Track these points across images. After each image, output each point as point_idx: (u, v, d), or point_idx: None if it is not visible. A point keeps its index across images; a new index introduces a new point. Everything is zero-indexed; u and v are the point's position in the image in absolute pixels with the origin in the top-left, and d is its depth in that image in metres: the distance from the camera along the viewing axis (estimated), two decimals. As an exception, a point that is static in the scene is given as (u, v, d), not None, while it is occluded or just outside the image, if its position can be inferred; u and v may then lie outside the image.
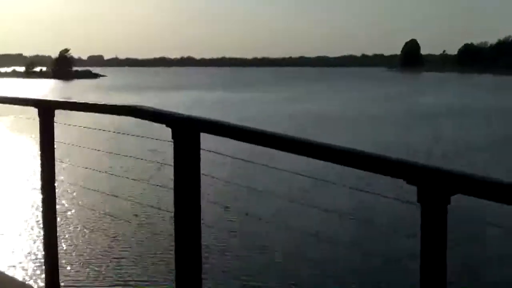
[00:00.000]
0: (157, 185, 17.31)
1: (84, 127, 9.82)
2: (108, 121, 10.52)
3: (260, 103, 65.39)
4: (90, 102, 5.44)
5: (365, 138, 33.57)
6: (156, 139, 5.02)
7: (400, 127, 41.08)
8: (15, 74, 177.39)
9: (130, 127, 10.01)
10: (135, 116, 4.51)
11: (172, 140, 3.68)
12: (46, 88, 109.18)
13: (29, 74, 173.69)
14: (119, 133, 19.04)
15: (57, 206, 5.49)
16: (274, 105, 61.84)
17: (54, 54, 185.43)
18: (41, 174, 5.31)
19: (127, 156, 15.58)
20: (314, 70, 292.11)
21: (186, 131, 3.60)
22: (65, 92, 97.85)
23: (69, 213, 16.57)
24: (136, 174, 20.31)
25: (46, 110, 5.41)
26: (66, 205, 16.86)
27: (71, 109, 5.39)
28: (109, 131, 11.14)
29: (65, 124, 6.50)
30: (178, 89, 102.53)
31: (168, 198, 4.20)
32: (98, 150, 14.77)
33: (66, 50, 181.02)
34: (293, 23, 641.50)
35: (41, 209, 5.56)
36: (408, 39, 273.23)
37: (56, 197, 5.48)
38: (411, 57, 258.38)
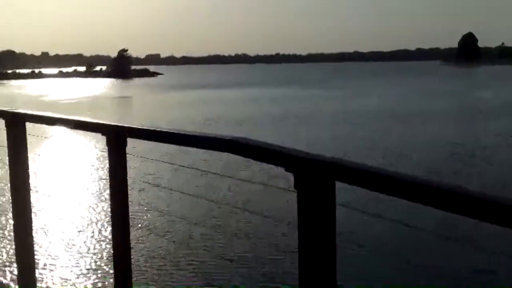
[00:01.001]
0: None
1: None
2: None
3: (322, 99, 66.13)
4: (63, 117, 5.19)
5: (430, 135, 34.07)
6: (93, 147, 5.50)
7: (462, 123, 41.28)
8: (76, 73, 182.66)
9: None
10: (71, 127, 4.90)
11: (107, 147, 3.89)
12: (105, 87, 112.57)
13: (89, 73, 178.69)
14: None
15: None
16: (336, 101, 62.51)
17: (113, 53, 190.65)
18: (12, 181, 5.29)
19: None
20: (369, 64, 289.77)
21: (116, 138, 3.77)
22: (124, 90, 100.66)
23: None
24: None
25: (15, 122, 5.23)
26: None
27: (43, 123, 5.39)
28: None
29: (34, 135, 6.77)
30: (233, 86, 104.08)
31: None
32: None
33: (125, 50, 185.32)
34: (346, 19, 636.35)
35: None
36: (464, 32, 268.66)
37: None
38: (467, 50, 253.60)
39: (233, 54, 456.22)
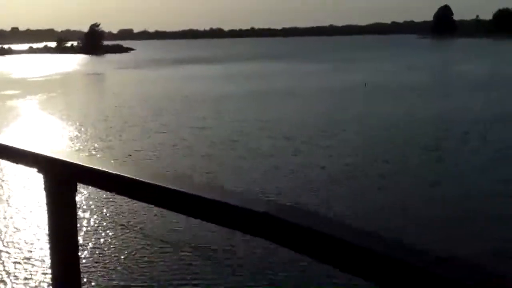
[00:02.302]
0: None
1: None
2: None
3: (301, 74, 64.65)
4: None
5: (417, 110, 32.90)
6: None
7: (445, 97, 40.17)
8: (46, 49, 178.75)
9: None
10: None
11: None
12: (77, 64, 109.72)
13: (60, 49, 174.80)
14: None
15: None
16: (316, 76, 61.05)
17: (85, 28, 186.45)
18: None
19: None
20: (344, 38, 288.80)
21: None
22: (96, 67, 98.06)
23: None
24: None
25: None
26: None
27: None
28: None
29: None
30: (211, 61, 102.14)
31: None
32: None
33: (96, 25, 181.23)
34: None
35: None
36: (439, 5, 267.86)
37: None
38: (443, 23, 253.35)
39: (207, 28, 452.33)
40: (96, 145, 25.36)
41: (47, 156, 2.25)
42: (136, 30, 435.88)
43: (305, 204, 15.88)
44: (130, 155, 22.74)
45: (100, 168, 2.02)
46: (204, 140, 25.78)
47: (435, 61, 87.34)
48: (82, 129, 29.88)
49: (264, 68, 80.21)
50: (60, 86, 58.70)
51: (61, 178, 2.21)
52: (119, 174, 1.94)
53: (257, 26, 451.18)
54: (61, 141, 26.68)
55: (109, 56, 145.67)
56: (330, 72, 66.98)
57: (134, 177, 1.86)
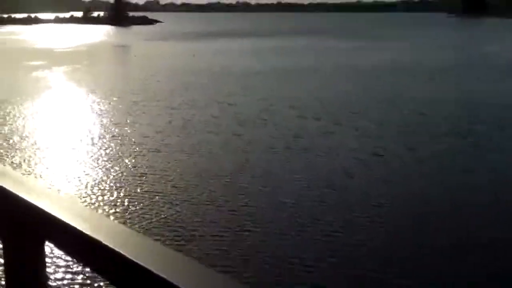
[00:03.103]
0: None
1: None
2: None
3: (329, 51, 63.68)
4: None
5: (448, 89, 32.08)
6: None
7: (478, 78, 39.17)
8: (73, 19, 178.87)
9: None
10: None
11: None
12: (103, 35, 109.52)
13: (86, 19, 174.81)
14: None
15: None
16: (343, 54, 60.06)
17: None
18: None
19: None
20: (372, 15, 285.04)
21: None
22: (123, 39, 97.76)
23: None
24: None
25: None
26: None
27: None
28: None
29: None
30: (237, 35, 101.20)
31: None
32: None
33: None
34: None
35: None
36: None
37: None
38: (473, 2, 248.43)
39: (234, 2, 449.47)
40: (123, 120, 25.04)
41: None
42: (162, 2, 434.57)
43: (335, 186, 15.44)
44: (160, 132, 22.40)
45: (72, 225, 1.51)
46: (233, 117, 25.33)
47: (465, 41, 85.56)
48: (108, 103, 29.59)
49: (292, 43, 79.20)
50: (86, 57, 58.54)
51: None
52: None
53: (284, 0, 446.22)
54: (86, 116, 26.44)
55: (135, 28, 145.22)
56: (358, 50, 65.81)
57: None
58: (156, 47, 75.14)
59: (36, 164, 17.98)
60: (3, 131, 22.63)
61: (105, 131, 22.81)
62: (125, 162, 18.07)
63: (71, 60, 54.41)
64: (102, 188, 15.56)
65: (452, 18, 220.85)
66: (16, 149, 19.82)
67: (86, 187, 15.66)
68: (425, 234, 12.50)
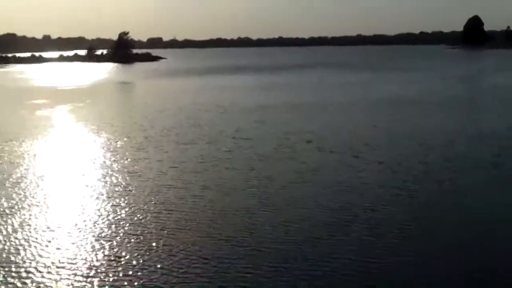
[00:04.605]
0: None
1: None
2: None
3: (333, 85, 63.55)
4: None
5: (459, 122, 31.71)
6: None
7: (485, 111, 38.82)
8: (77, 57, 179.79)
9: None
10: None
11: None
12: (107, 72, 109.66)
13: (90, 57, 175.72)
14: None
15: None
16: (348, 87, 59.90)
17: (115, 37, 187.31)
18: None
19: None
20: (373, 48, 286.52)
21: None
22: (127, 76, 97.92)
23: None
24: None
25: None
26: None
27: None
28: None
29: None
30: (240, 71, 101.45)
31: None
32: None
33: (125, 33, 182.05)
34: (350, 1, 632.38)
35: None
36: (466, 16, 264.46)
37: None
38: (473, 34, 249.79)
39: (235, 37, 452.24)
40: (134, 157, 24.60)
41: None
42: (165, 39, 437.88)
43: (355, 222, 14.92)
44: (174, 167, 21.92)
45: None
46: (248, 152, 24.89)
47: (470, 72, 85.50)
48: (119, 139, 29.17)
49: (296, 78, 79.26)
50: (90, 95, 58.27)
51: None
52: None
53: (285, 35, 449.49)
54: (98, 154, 26.00)
55: (138, 65, 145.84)
56: (363, 83, 65.72)
57: None
58: (159, 84, 75.05)
59: (51, 200, 17.51)
60: (17, 172, 22.22)
61: (119, 168, 22.36)
62: (141, 198, 17.62)
63: (75, 98, 54.01)
64: (120, 224, 15.06)
65: (453, 50, 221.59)
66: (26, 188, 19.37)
67: (103, 223, 15.16)
68: (458, 264, 12.00)
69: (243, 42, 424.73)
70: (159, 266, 12.40)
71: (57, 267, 12.47)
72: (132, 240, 14.08)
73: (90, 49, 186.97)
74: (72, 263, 12.65)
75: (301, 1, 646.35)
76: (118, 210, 16.56)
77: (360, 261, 12.48)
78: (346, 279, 11.67)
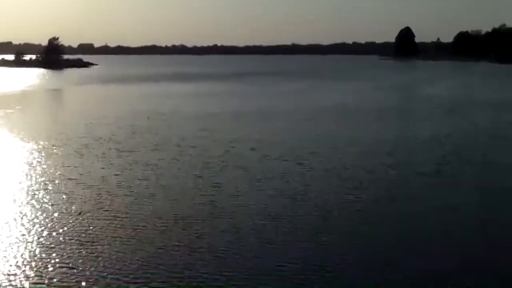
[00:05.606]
0: None
1: None
2: None
3: (271, 94, 63.27)
4: None
5: (392, 132, 31.86)
6: None
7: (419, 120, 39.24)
8: (4, 63, 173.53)
9: None
10: None
11: None
12: (36, 78, 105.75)
13: (18, 62, 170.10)
14: None
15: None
16: (289, 97, 59.72)
17: (45, 42, 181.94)
18: None
19: None
20: (307, 58, 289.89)
21: None
22: (57, 82, 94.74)
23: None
24: None
25: None
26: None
27: None
28: None
29: None
30: (174, 79, 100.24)
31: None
32: None
33: (55, 38, 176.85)
34: (284, 11, 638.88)
35: None
36: (399, 27, 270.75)
37: None
38: (405, 45, 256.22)
39: (169, 44, 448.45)
40: (74, 164, 23.23)
41: None
42: (96, 45, 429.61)
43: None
44: (117, 174, 20.74)
45: None
46: (193, 159, 23.99)
47: (405, 82, 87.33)
48: (55, 147, 27.65)
49: (237, 86, 78.90)
50: (21, 102, 55.74)
51: None
52: None
53: (220, 43, 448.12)
54: (29, 161, 24.46)
55: (69, 71, 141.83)
56: (302, 92, 65.86)
57: None
58: (90, 91, 72.78)
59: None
60: None
61: (59, 175, 21.10)
62: (84, 206, 16.47)
63: (3, 104, 51.46)
64: (61, 231, 13.93)
65: (386, 60, 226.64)
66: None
67: (42, 231, 13.99)
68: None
69: (178, 50, 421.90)
70: (103, 275, 11.76)
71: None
72: (74, 247, 13.38)
73: (19, 54, 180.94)
74: (10, 274, 11.67)
75: (237, 9, 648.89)
76: (60, 218, 15.58)
77: (305, 268, 12.16)
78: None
